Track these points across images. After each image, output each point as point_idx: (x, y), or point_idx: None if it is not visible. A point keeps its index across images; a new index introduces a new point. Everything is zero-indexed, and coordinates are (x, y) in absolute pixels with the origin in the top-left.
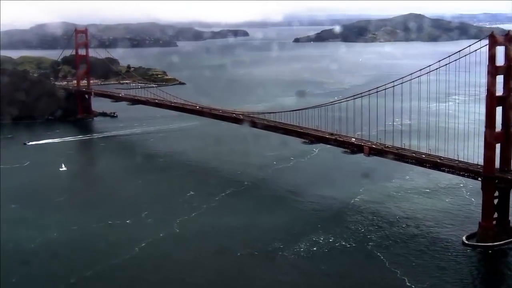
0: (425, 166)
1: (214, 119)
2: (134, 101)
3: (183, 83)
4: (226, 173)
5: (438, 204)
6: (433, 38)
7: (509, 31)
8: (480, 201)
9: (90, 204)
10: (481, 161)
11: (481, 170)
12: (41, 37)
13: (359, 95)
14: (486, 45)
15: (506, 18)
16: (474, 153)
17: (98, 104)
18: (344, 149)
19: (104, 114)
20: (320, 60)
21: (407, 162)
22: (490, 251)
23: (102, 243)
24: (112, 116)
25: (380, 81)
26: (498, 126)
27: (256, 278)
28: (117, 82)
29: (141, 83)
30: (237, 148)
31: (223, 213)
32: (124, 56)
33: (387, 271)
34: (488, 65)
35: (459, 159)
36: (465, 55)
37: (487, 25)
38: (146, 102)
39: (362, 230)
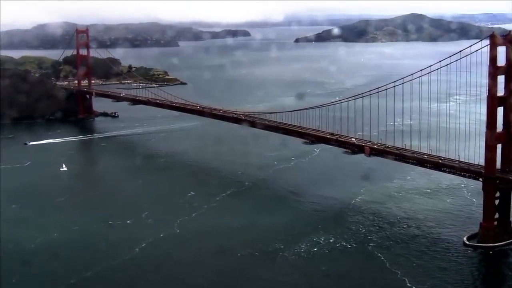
0: (426, 167)
1: (215, 119)
2: (135, 101)
3: (185, 83)
4: (227, 173)
5: (439, 204)
6: (434, 38)
7: (510, 31)
8: (481, 202)
9: (90, 204)
10: (482, 162)
11: (482, 171)
12: (43, 37)
13: (360, 95)
14: (487, 45)
15: (507, 19)
16: (475, 154)
17: (99, 104)
18: (345, 150)
19: (105, 114)
20: (321, 60)
21: (408, 163)
22: (491, 252)
23: (102, 243)
24: (113, 116)
25: (381, 81)
26: (499, 127)
27: (256, 278)
28: (118, 82)
29: (142, 83)
30: (238, 148)
31: (224, 214)
32: (125, 56)
33: (387, 272)
34: (489, 66)
35: (460, 160)
36: (466, 56)
37: (489, 25)
38: (147, 102)
39: (363, 231)
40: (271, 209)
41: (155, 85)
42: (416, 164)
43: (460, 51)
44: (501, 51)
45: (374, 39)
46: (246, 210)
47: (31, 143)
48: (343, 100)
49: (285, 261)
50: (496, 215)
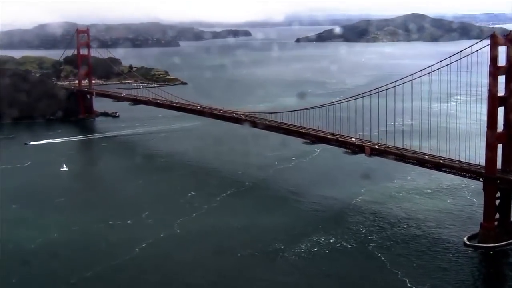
0: (426, 167)
1: (216, 119)
2: (136, 101)
3: (185, 83)
4: (227, 173)
5: (440, 204)
6: (435, 38)
7: (510, 31)
8: (482, 202)
9: (90, 204)
10: (482, 162)
11: (482, 171)
12: (43, 37)
13: (360, 95)
14: (487, 45)
15: (508, 18)
16: (476, 154)
17: (100, 104)
18: (345, 150)
19: (105, 114)
20: (321, 60)
21: (408, 163)
22: (491, 252)
23: (102, 243)
24: (114, 116)
25: (382, 81)
26: (500, 127)
27: (257, 278)
28: (119, 82)
29: (143, 83)
30: (238, 148)
31: (224, 214)
32: (125, 56)
33: (388, 272)
34: (489, 66)
35: (461, 160)
36: (467, 55)
37: (490, 25)
38: (147, 102)
39: (363, 231)
40: (272, 209)
41: (155, 85)
42: (416, 164)
43: (461, 51)
44: (502, 51)
45: (375, 39)
46: (247, 210)
47: (31, 143)
48: (343, 100)
49: (285, 261)
50: (497, 215)
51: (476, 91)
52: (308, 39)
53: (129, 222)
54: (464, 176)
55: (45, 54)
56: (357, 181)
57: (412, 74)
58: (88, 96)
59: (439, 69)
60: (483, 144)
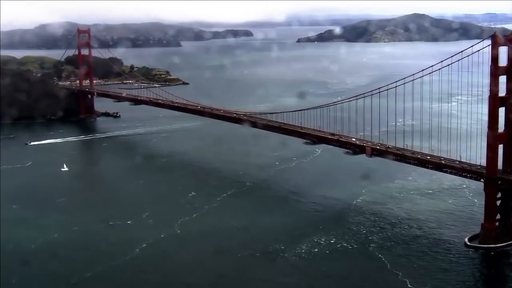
0: (427, 167)
1: (217, 120)
2: (137, 101)
3: (187, 83)
4: (228, 173)
5: (441, 205)
6: (436, 38)
7: (511, 31)
8: (483, 202)
9: (91, 204)
10: (483, 162)
11: (483, 171)
12: (45, 37)
13: (361, 96)
14: (488, 45)
15: (509, 18)
16: (477, 154)
17: (101, 104)
18: (346, 150)
19: (106, 114)
20: (323, 60)
21: (409, 163)
22: (492, 253)
23: (103, 243)
24: (115, 116)
25: (384, 81)
26: (501, 127)
27: (257, 279)
28: (120, 82)
29: (144, 83)
30: (239, 149)
31: (225, 214)
32: (127, 56)
33: (388, 273)
34: (490, 66)
35: (462, 160)
36: (468, 56)
37: (491, 25)
38: (148, 102)
39: (364, 231)
40: (272, 210)
41: (156, 85)
42: (417, 165)
43: (462, 51)
44: (503, 51)
45: (376, 39)
46: (247, 210)
47: (31, 143)
48: (344, 100)
49: (286, 261)
50: (498, 216)
51: (477, 91)
52: (309, 39)
53: (129, 222)
54: (465, 176)
55: (46, 54)
56: (357, 182)
57: (413, 74)
58: (89, 96)
59: (440, 69)
60: (484, 144)
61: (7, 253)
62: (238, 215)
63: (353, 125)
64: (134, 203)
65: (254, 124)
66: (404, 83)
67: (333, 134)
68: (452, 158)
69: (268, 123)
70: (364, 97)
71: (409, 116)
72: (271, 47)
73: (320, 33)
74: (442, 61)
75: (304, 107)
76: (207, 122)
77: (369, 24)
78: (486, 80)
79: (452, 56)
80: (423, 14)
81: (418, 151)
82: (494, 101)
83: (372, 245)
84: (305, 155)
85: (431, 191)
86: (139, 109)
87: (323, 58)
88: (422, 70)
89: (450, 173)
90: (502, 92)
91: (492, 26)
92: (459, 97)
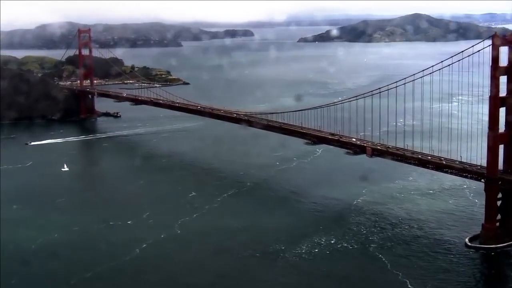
0: (427, 167)
1: (217, 120)
2: (137, 101)
3: (187, 83)
4: (229, 173)
5: (441, 205)
6: (438, 39)
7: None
8: (483, 203)
9: (91, 204)
10: (484, 163)
11: (484, 172)
12: (46, 37)
13: (362, 96)
14: (489, 45)
15: (510, 19)
16: (478, 154)
17: (101, 104)
18: (347, 150)
19: (107, 114)
20: (324, 61)
21: (410, 163)
22: (493, 253)
23: (103, 243)
24: (116, 116)
25: (385, 82)
26: (502, 127)
27: (257, 279)
28: (121, 82)
29: (145, 83)
30: (240, 149)
31: (225, 214)
32: (127, 56)
33: (389, 273)
34: (491, 66)
35: (462, 160)
36: (468, 56)
37: (492, 26)
38: (148, 102)
39: (364, 232)
40: (273, 210)
41: (157, 85)
42: (418, 165)
43: (462, 51)
44: (504, 51)
45: (377, 40)
46: (248, 210)
47: (32, 143)
48: (345, 101)
49: (286, 262)
50: (498, 216)
51: (478, 91)
52: (310, 39)
53: (129, 222)
54: (466, 177)
55: (47, 54)
56: (358, 182)
57: (414, 74)
58: (90, 96)
59: (441, 70)
60: (485, 144)
61: (7, 253)
62: (238, 215)
63: (354, 125)
64: (134, 203)
65: (255, 124)
66: (404, 83)
67: (333, 134)
68: (453, 159)
69: (269, 123)
70: (365, 97)
71: (410, 116)
72: (272, 47)
73: (321, 34)
74: (442, 61)
75: (304, 107)
76: (207, 122)
77: (369, 24)
78: (487, 81)
79: (452, 56)
80: (424, 14)
81: (419, 151)
82: (495, 102)
83: (372, 245)
84: (306, 155)
85: (431, 191)
86: (139, 109)
87: (323, 58)
88: (423, 70)
89: (451, 173)
90: (502, 93)
91: (493, 27)
92: (460, 97)
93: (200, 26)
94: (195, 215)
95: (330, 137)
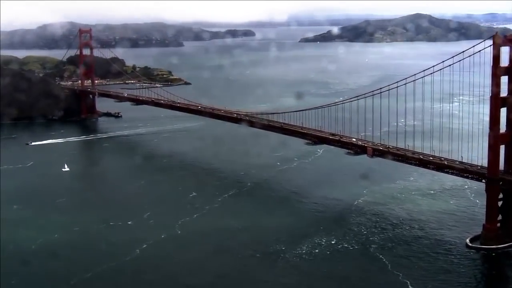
0: (428, 168)
1: (218, 120)
2: (138, 101)
3: (189, 83)
4: (229, 174)
5: (442, 205)
6: (439, 39)
7: None
8: (484, 203)
9: (92, 204)
10: (485, 163)
11: (485, 172)
12: (47, 37)
13: (363, 96)
14: (490, 45)
15: (511, 19)
16: (479, 155)
17: (102, 104)
18: (347, 150)
19: (108, 114)
20: (325, 61)
21: (411, 164)
22: (493, 254)
23: (103, 244)
24: (117, 116)
25: (385, 82)
26: (503, 128)
27: (258, 279)
28: (122, 82)
29: (146, 83)
30: (241, 149)
31: (226, 214)
32: (129, 56)
33: (389, 274)
34: (492, 66)
35: (463, 161)
36: (469, 56)
37: (494, 26)
38: (149, 103)
39: (365, 232)
40: (273, 210)
41: (158, 85)
42: (418, 165)
43: (463, 51)
44: (505, 51)
45: (379, 39)
46: (248, 211)
47: (33, 143)
48: (346, 101)
49: (287, 262)
50: (499, 217)
51: (479, 91)
52: (311, 39)
53: (130, 222)
54: (466, 177)
55: (48, 54)
56: (359, 182)
57: (415, 74)
58: (91, 96)
59: (442, 70)
60: (486, 144)
61: (7, 253)
62: (239, 215)
63: (355, 125)
64: (135, 203)
65: (256, 125)
66: (405, 83)
67: (333, 135)
68: (454, 159)
69: (270, 123)
70: (366, 97)
71: (411, 117)
72: (273, 47)
73: (322, 33)
74: (443, 61)
75: (305, 107)
76: (208, 122)
77: (372, 24)
78: (488, 81)
79: (453, 56)
80: (426, 14)
81: (420, 151)
82: (496, 102)
83: (373, 246)
84: (307, 155)
85: (432, 192)
86: (140, 109)
87: (325, 58)
88: (424, 70)
89: (452, 173)
90: (503, 93)
91: (495, 26)
92: (461, 98)
93: (201, 26)
94: (195, 215)
95: (330, 137)
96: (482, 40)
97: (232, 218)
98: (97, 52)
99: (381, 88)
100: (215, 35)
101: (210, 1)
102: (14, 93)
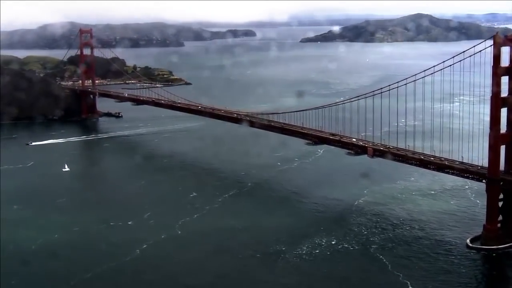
0: (429, 168)
1: (218, 120)
2: (139, 101)
3: (189, 83)
4: (230, 174)
5: (443, 206)
6: (440, 38)
7: None
8: (485, 203)
9: (92, 204)
10: (486, 163)
11: (485, 172)
12: (48, 37)
13: (364, 96)
14: (491, 45)
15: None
16: (479, 155)
17: (103, 104)
18: (348, 151)
19: (109, 114)
20: (326, 61)
21: (411, 164)
22: (494, 254)
23: (103, 244)
24: (117, 116)
25: (386, 81)
26: (503, 128)
27: (258, 280)
28: (123, 82)
29: (146, 83)
30: (241, 149)
31: (226, 215)
32: (130, 56)
33: (389, 274)
34: (492, 66)
35: (464, 161)
36: (470, 56)
37: (495, 26)
38: (150, 103)
39: (365, 232)
40: (274, 210)
41: (159, 85)
42: (419, 166)
43: (464, 51)
44: (505, 51)
45: (380, 39)
46: (249, 211)
47: (33, 143)
48: (346, 101)
49: (287, 262)
50: (500, 217)
51: (479, 91)
52: (312, 39)
53: (130, 222)
54: (467, 177)
55: (49, 54)
56: (359, 182)
57: (415, 74)
58: (91, 96)
59: (442, 70)
60: (486, 145)
61: (7, 253)
62: (239, 215)
63: (355, 125)
64: (135, 203)
65: (256, 125)
66: (406, 83)
67: (333, 135)
68: (454, 159)
69: (270, 123)
70: (366, 97)
71: (411, 117)
72: (274, 47)
73: (323, 33)
74: (444, 62)
75: (306, 107)
76: (209, 122)
77: (373, 24)
78: (488, 81)
79: (454, 57)
80: (427, 14)
81: (420, 151)
82: (496, 102)
83: (373, 246)
84: (307, 155)
85: (433, 192)
86: (141, 109)
87: (326, 58)
88: (424, 70)
89: (452, 174)
90: (504, 93)
91: (496, 26)
92: (461, 98)
93: (202, 25)
94: (195, 216)
95: (331, 137)
96: (483, 40)
97: (232, 218)
98: (98, 52)
99: (381, 88)
100: (216, 35)
101: (211, 1)
102: (14, 93)
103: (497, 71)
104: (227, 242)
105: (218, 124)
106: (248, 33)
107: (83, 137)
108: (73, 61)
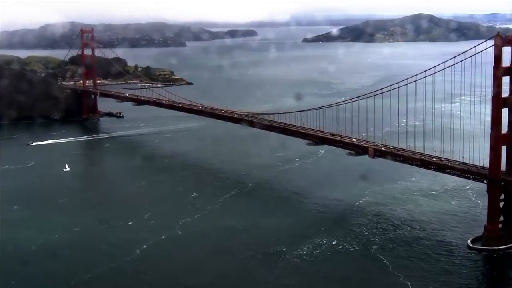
0: (430, 168)
1: (219, 120)
2: (140, 101)
3: (191, 83)
4: (231, 174)
5: (444, 206)
6: (441, 39)
7: None
8: (486, 204)
9: (92, 205)
10: (487, 163)
11: (486, 173)
12: (49, 37)
13: (365, 96)
14: (492, 45)
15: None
16: (480, 155)
17: (104, 104)
18: (349, 151)
19: (110, 114)
20: (328, 61)
21: (412, 164)
22: (495, 255)
23: (103, 244)
24: (118, 116)
25: (387, 82)
26: (505, 128)
27: (258, 280)
28: (124, 82)
29: (148, 83)
30: (242, 149)
31: (226, 215)
32: (130, 56)
33: (390, 275)
34: (493, 66)
35: (465, 161)
36: (471, 56)
37: (496, 26)
38: (151, 103)
39: (366, 233)
40: (274, 211)
41: (160, 85)
42: (420, 166)
43: (465, 52)
44: (507, 51)
45: (380, 40)
46: (249, 211)
47: (34, 143)
48: (347, 101)
49: (287, 263)
50: (501, 218)
51: (480, 92)
52: (314, 39)
53: (130, 223)
54: (468, 178)
55: (50, 54)
56: (360, 183)
57: (416, 74)
58: (92, 96)
59: (443, 70)
60: (487, 145)
61: (7, 253)
62: (239, 216)
63: (356, 125)
64: (135, 203)
65: (257, 125)
66: (407, 84)
67: (334, 135)
68: (455, 159)
69: (271, 123)
70: (367, 97)
71: (412, 117)
72: (276, 47)
73: (324, 34)
74: (445, 62)
75: (307, 107)
76: (210, 122)
77: (375, 24)
78: (489, 81)
79: (455, 57)
80: (427, 15)
81: (421, 152)
82: (497, 102)
83: (374, 246)
84: (308, 155)
85: (434, 192)
86: (142, 110)
87: (327, 58)
88: (425, 70)
89: (453, 174)
90: (505, 93)
91: (497, 27)
92: (462, 98)
93: (202, 26)
94: (196, 216)
95: (331, 137)
96: (484, 40)
97: (232, 218)
98: (99, 52)
99: (382, 89)
100: (216, 35)
101: (211, 1)
102: (15, 93)
103: (498, 72)
104: (227, 243)
105: (219, 124)
106: (249, 33)
107: (84, 137)
108: (74, 61)
